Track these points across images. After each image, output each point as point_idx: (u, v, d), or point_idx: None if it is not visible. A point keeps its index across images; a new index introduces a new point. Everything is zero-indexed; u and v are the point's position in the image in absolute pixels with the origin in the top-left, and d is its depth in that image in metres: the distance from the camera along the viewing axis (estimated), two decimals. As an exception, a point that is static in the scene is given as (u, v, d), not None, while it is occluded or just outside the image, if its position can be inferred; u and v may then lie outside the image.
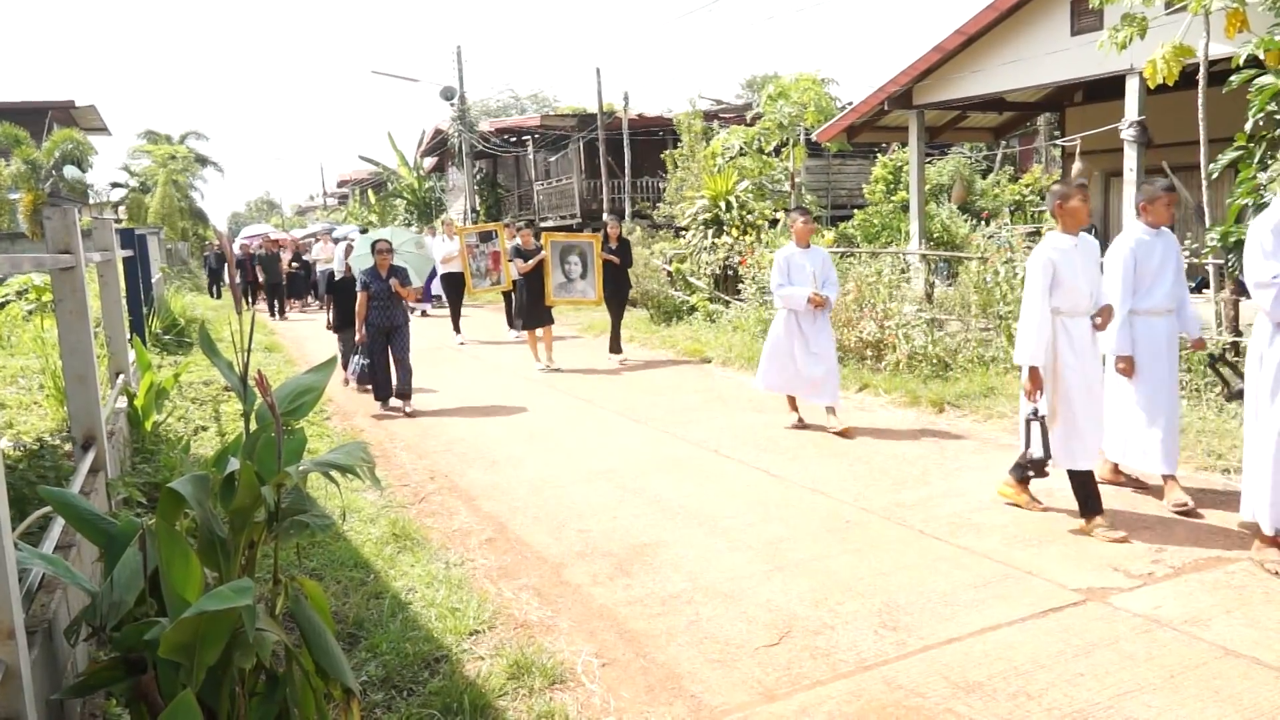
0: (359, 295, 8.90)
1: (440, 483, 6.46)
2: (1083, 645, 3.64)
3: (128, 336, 7.31)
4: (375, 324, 8.87)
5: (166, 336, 12.93)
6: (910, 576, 4.41)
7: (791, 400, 7.62)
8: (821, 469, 6.34)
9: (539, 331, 11.34)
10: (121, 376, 6.68)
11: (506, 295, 14.44)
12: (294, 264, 22.05)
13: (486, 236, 13.95)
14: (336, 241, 23.14)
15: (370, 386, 9.31)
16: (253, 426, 2.78)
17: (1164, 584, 4.20)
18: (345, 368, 10.53)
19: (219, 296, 24.37)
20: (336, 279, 10.88)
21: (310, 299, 22.70)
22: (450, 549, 5.06)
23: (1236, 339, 7.21)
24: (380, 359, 9.01)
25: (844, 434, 7.11)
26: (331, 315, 11.01)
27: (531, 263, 11.15)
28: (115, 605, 2.49)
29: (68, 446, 4.64)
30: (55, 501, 2.72)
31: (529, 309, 11.23)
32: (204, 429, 7.63)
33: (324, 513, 2.80)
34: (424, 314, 18.51)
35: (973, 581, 4.32)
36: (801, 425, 7.50)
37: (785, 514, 5.42)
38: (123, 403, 6.33)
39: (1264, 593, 4.06)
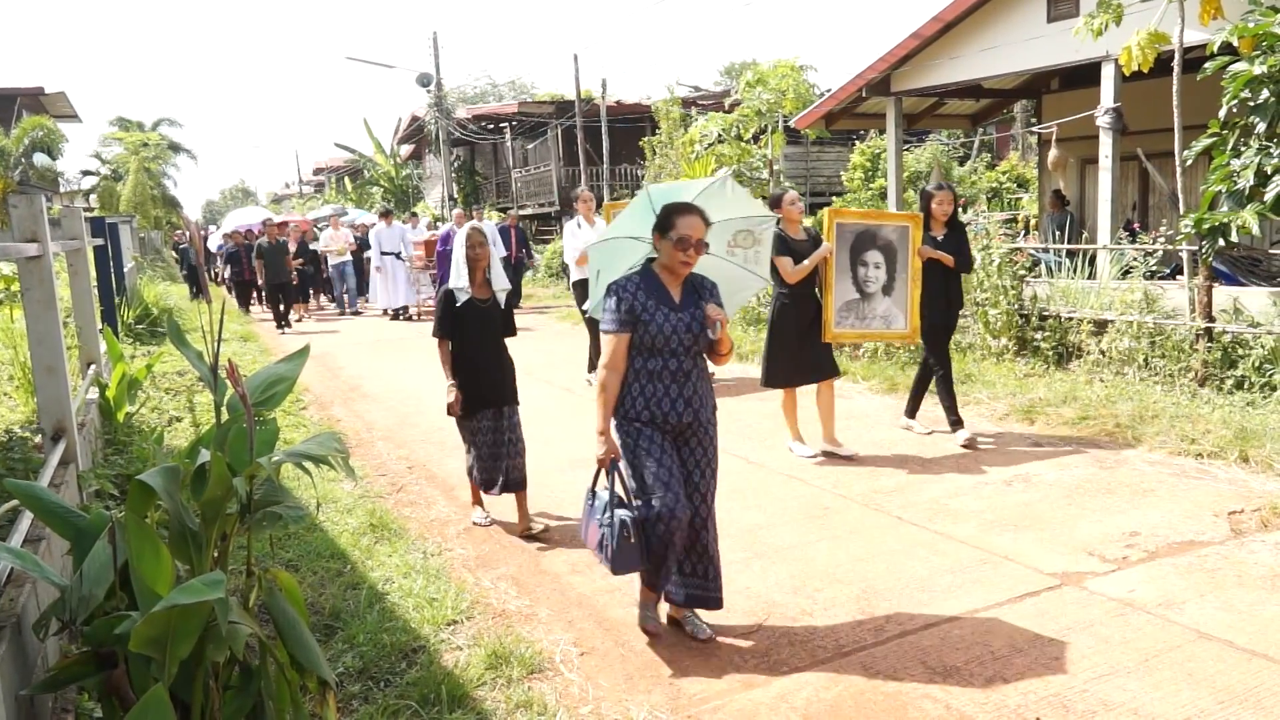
0: (606, 338, 3.67)
1: (418, 472, 6.42)
2: (1058, 629, 3.67)
3: (99, 326, 7.20)
4: (662, 411, 3.65)
5: (139, 326, 12.75)
6: (888, 563, 4.43)
7: None
8: (800, 456, 6.34)
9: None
10: (93, 367, 6.58)
11: None
12: (299, 259, 17.12)
13: None
14: (354, 228, 19.78)
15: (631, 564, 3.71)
16: (225, 417, 2.74)
17: (1138, 568, 4.24)
18: (485, 488, 5.15)
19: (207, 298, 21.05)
20: (459, 302, 4.99)
21: (325, 300, 19.48)
22: (428, 539, 5.03)
23: (1209, 325, 7.28)
24: (673, 488, 3.60)
25: None
26: (452, 382, 5.03)
27: (807, 264, 6.01)
28: (85, 599, 2.45)
29: (37, 438, 4.56)
30: (22, 494, 2.67)
31: (799, 348, 6.16)
32: (178, 420, 7.54)
33: (298, 504, 2.77)
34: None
35: (950, 567, 4.34)
36: None
37: (763, 501, 5.43)
38: (94, 394, 6.24)
39: (1237, 576, 4.10)
